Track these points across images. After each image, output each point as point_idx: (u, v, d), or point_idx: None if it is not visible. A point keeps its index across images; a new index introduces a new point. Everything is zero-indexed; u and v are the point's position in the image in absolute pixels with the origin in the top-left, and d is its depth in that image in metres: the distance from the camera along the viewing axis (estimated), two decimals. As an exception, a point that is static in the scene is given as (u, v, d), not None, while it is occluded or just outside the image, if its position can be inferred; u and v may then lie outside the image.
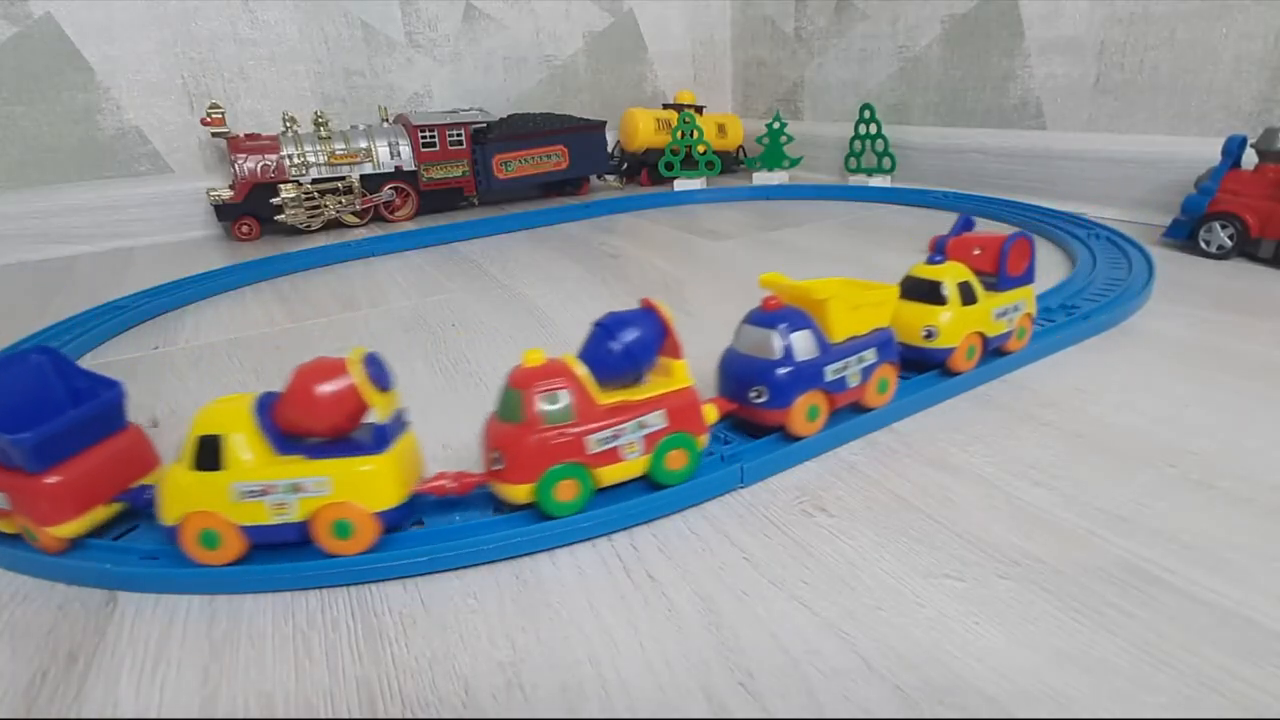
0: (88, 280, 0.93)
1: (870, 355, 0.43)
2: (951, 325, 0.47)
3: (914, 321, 0.48)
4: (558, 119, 1.29)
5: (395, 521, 0.35)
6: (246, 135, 1.11)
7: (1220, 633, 0.28)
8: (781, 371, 0.40)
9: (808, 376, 0.41)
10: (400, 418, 0.36)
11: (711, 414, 0.40)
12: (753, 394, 0.41)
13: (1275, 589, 0.30)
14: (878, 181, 1.25)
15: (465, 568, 0.34)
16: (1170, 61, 0.90)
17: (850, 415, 0.44)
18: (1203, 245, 0.79)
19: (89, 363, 0.65)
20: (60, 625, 0.32)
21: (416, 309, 0.75)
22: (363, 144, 1.15)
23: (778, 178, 1.37)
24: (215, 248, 1.09)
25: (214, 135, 1.09)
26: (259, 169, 1.08)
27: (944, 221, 1.01)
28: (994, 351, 0.51)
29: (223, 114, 1.08)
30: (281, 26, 1.20)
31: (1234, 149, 0.78)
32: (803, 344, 0.41)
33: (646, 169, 1.42)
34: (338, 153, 1.13)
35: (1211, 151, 0.83)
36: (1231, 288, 0.69)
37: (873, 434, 0.45)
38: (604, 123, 1.34)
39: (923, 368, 0.49)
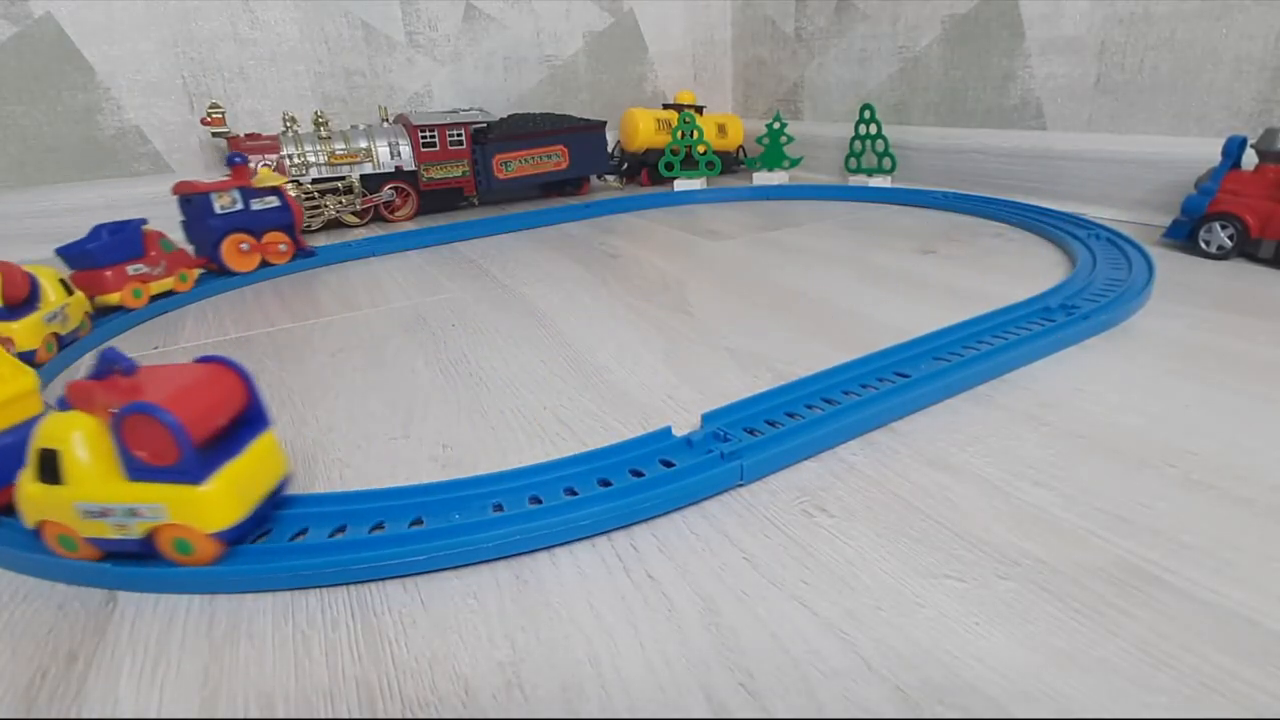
0: (88, 280, 0.93)
1: None
2: (24, 504, 0.35)
3: None
4: (558, 119, 1.29)
5: None
6: (247, 135, 1.11)
7: (1221, 633, 0.28)
8: None
9: None
10: None
11: None
12: None
13: (1275, 589, 0.30)
14: (878, 181, 1.25)
15: (465, 567, 0.34)
16: (1170, 61, 0.90)
17: (851, 414, 0.44)
18: (1203, 245, 0.79)
19: (89, 362, 0.65)
20: (60, 625, 0.32)
21: (416, 309, 0.75)
22: (363, 144, 1.15)
23: (778, 178, 1.37)
24: (215, 248, 1.09)
25: (214, 135, 1.09)
26: (259, 169, 1.08)
27: (944, 222, 1.01)
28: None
29: (223, 114, 1.08)
30: (281, 26, 1.20)
31: (1234, 149, 0.78)
32: None
33: (646, 169, 1.42)
34: (338, 153, 1.13)
35: (1211, 151, 0.83)
36: (1231, 288, 0.69)
37: (872, 434, 0.45)
38: (604, 123, 1.34)
39: None
